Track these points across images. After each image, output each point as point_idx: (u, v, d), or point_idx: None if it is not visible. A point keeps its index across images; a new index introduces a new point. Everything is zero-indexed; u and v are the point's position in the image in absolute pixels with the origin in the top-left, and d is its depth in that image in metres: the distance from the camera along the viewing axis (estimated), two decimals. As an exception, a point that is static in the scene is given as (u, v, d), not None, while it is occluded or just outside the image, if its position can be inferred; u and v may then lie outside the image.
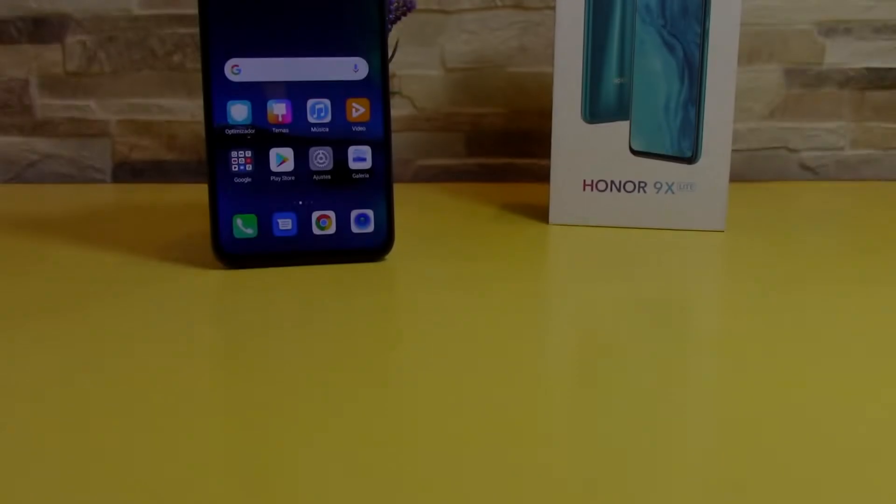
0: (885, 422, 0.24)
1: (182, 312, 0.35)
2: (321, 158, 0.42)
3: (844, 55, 0.73)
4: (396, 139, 0.76)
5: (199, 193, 0.69)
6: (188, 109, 0.76)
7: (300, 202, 0.42)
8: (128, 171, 0.77)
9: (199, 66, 0.75)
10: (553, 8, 0.72)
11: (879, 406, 0.25)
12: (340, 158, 0.42)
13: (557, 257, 0.46)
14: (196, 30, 0.74)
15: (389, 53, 0.64)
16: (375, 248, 0.43)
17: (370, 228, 0.43)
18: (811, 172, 0.75)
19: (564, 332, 0.33)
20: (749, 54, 0.73)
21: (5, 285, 0.40)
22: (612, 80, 0.51)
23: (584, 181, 0.53)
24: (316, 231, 0.43)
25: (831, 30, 0.73)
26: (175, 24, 0.74)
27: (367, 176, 0.43)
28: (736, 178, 0.76)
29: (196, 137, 0.76)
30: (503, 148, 0.76)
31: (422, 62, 0.74)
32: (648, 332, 0.32)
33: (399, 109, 0.75)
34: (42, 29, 0.75)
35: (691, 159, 0.51)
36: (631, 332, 0.32)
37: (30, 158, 0.77)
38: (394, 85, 0.75)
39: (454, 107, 0.75)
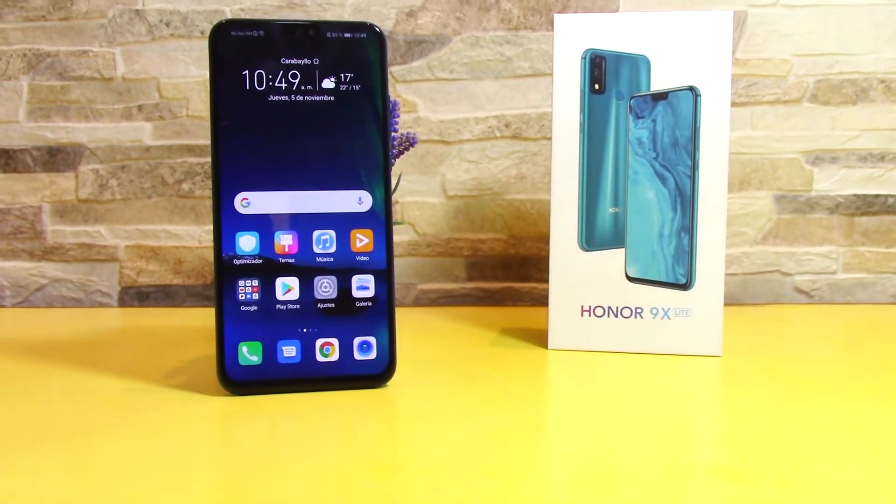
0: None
1: (187, 440, 0.36)
2: (325, 287, 0.43)
3: (832, 182, 0.76)
4: (398, 264, 0.78)
5: (204, 317, 0.70)
6: (195, 235, 0.78)
7: (304, 330, 0.43)
8: (134, 296, 0.78)
9: (207, 193, 0.77)
10: (549, 139, 0.75)
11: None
12: (344, 287, 0.44)
13: (557, 383, 0.46)
14: (206, 159, 0.77)
15: (393, 185, 0.66)
16: (378, 374, 0.44)
17: (372, 355, 0.44)
18: (805, 296, 0.77)
19: (565, 459, 0.33)
20: (740, 182, 0.76)
21: (9, 410, 0.41)
22: (607, 209, 0.53)
23: (582, 307, 0.54)
24: (319, 358, 0.43)
25: (818, 158, 0.76)
26: (185, 153, 0.77)
27: (370, 304, 0.44)
28: (731, 301, 0.77)
29: (202, 262, 0.78)
30: (502, 272, 0.77)
31: (423, 190, 0.77)
32: (649, 459, 0.33)
33: (401, 235, 0.77)
34: (57, 158, 0.78)
35: (686, 286, 0.52)
36: (632, 459, 0.33)
37: (39, 283, 0.78)
38: (396, 213, 0.77)
39: (455, 233, 0.77)
